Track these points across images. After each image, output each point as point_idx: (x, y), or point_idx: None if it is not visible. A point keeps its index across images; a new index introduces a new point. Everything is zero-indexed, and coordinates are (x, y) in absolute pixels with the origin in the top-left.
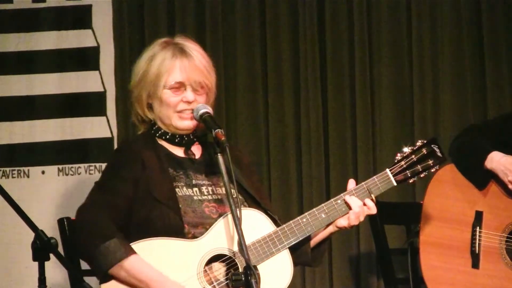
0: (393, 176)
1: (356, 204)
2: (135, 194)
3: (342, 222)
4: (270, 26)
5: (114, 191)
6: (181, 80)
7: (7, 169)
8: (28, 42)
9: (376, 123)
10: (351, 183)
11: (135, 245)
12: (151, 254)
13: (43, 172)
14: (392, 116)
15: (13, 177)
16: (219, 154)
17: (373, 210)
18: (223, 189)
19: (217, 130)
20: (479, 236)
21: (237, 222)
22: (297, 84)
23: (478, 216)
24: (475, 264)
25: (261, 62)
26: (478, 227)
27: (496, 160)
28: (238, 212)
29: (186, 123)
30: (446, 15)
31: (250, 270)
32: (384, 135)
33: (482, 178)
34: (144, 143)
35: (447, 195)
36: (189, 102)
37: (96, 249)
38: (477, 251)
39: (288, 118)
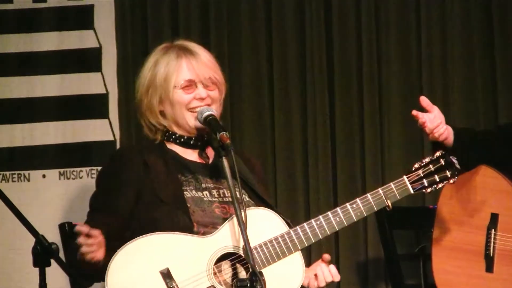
0: (410, 184)
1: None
2: (134, 202)
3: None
4: (276, 27)
5: (109, 209)
6: (190, 78)
7: (7, 172)
8: (29, 43)
9: (385, 126)
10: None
11: (144, 238)
12: (160, 247)
13: (44, 176)
14: (401, 118)
15: (13, 181)
16: (223, 158)
17: (336, 277)
18: None
19: (222, 132)
20: (494, 239)
21: (242, 226)
22: (304, 85)
23: (494, 218)
24: (489, 268)
25: (267, 63)
26: (493, 230)
27: None
28: (243, 216)
29: None
30: (455, 16)
31: (256, 276)
32: (392, 138)
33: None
34: (148, 147)
35: (462, 197)
36: (202, 99)
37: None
38: (491, 254)
39: (295, 121)
